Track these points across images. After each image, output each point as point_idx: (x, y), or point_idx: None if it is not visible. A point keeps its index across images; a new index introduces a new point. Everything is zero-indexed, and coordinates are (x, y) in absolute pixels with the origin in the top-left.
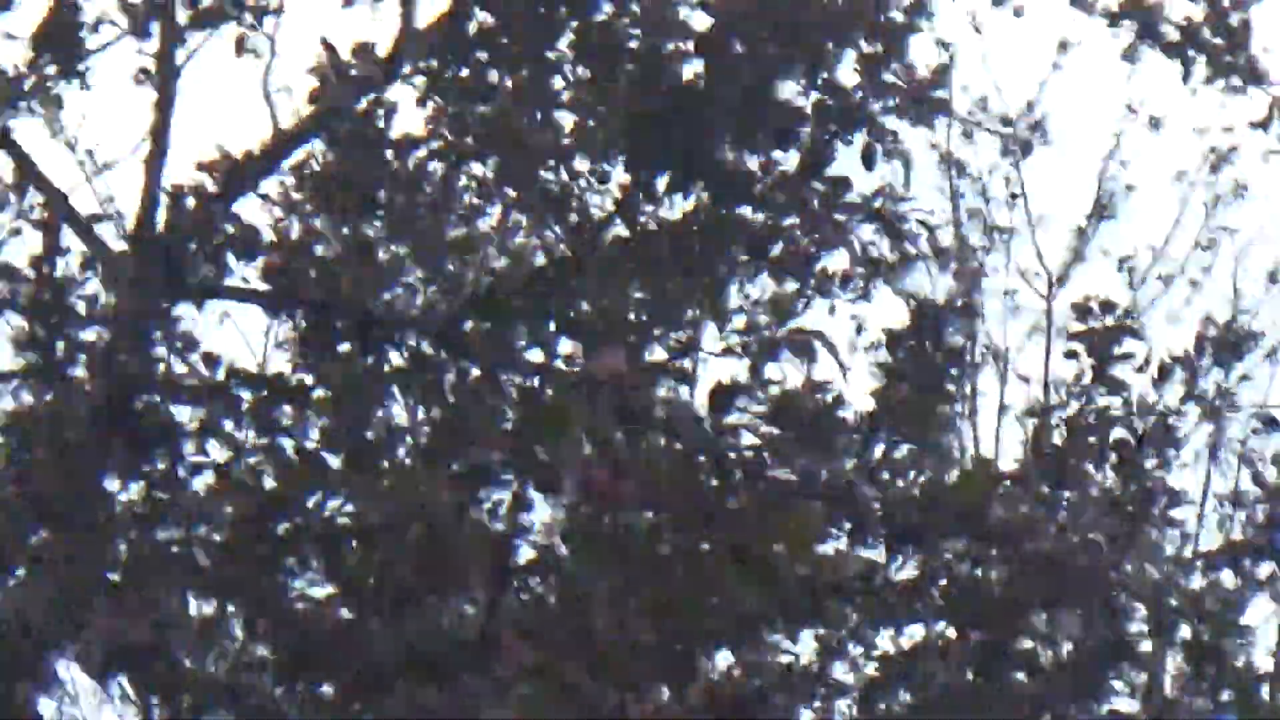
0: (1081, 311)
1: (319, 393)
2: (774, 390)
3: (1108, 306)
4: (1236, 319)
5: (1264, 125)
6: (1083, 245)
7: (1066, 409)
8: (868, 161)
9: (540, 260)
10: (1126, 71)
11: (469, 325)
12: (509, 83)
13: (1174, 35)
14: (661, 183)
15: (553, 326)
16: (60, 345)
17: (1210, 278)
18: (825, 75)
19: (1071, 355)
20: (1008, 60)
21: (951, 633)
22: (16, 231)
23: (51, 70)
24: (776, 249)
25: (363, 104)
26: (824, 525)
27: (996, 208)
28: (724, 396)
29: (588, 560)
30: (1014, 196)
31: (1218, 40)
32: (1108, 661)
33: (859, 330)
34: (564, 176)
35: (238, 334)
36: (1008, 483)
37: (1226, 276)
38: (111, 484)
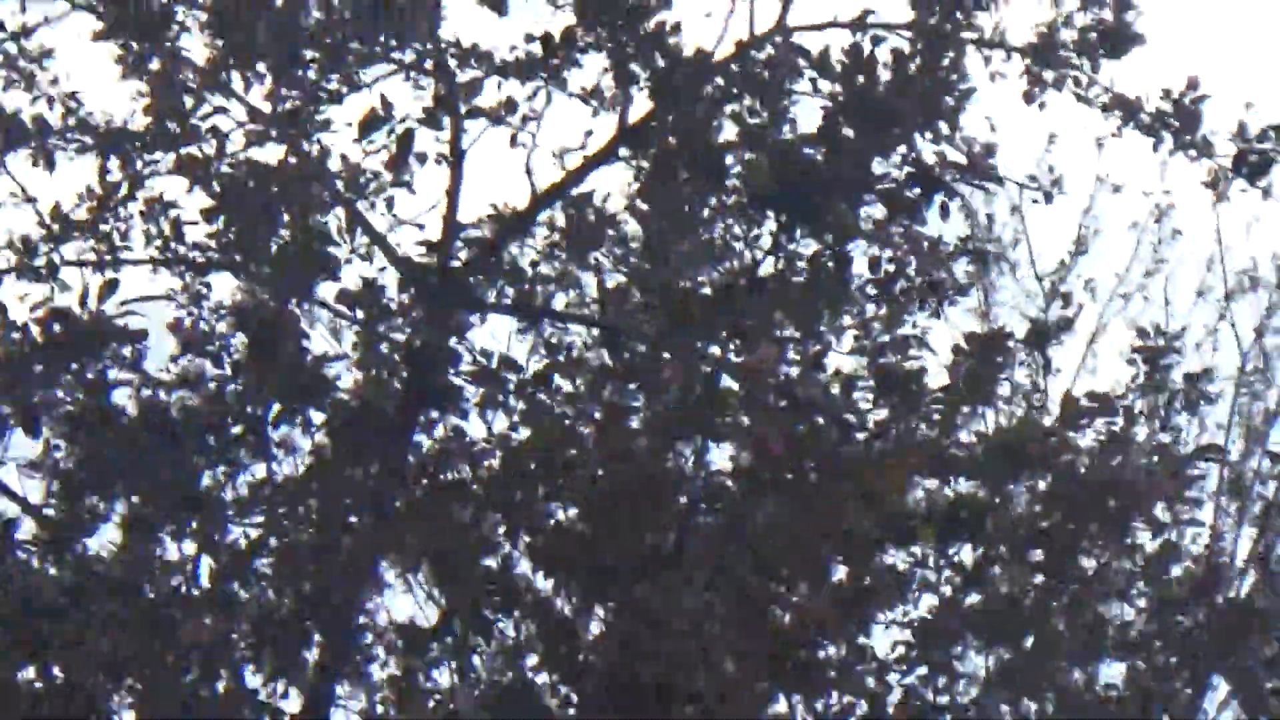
0: (1141, 332)
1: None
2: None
3: (1159, 330)
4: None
5: (1213, 185)
6: (1065, 273)
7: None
8: (944, 213)
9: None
10: (1095, 153)
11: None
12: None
13: (1148, 120)
14: (797, 232)
15: (725, 333)
16: (383, 345)
17: (1152, 294)
18: (912, 153)
19: (1131, 362)
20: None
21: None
22: (348, 260)
23: (387, 178)
24: (898, 286)
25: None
26: (916, 471)
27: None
28: (849, 381)
29: (751, 494)
30: (1017, 240)
31: (1179, 124)
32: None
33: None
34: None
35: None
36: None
37: (1166, 294)
38: (417, 437)
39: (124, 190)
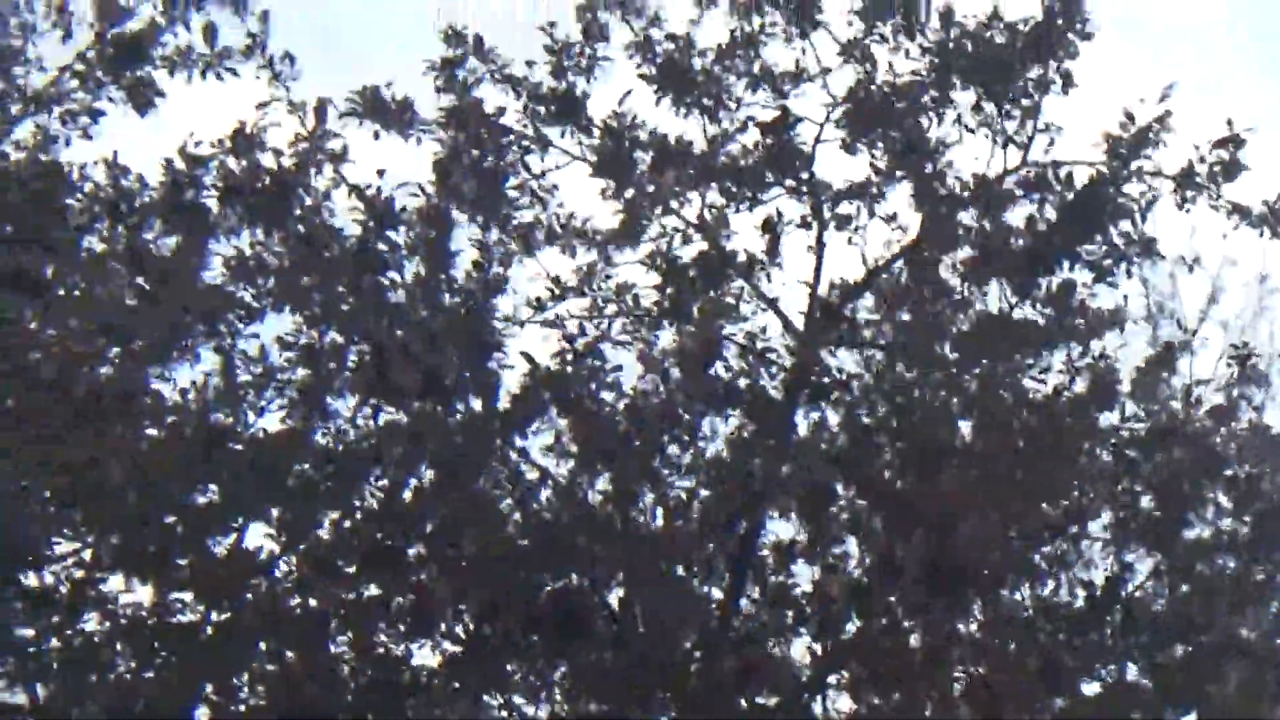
0: (1233, 346)
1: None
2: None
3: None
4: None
5: None
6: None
7: None
8: (1128, 274)
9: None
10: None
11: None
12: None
13: (1255, 220)
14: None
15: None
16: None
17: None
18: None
19: (1229, 364)
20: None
21: None
22: (753, 314)
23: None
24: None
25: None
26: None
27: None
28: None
29: (990, 459)
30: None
31: (1275, 222)
32: None
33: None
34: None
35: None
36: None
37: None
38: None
39: (601, 272)
